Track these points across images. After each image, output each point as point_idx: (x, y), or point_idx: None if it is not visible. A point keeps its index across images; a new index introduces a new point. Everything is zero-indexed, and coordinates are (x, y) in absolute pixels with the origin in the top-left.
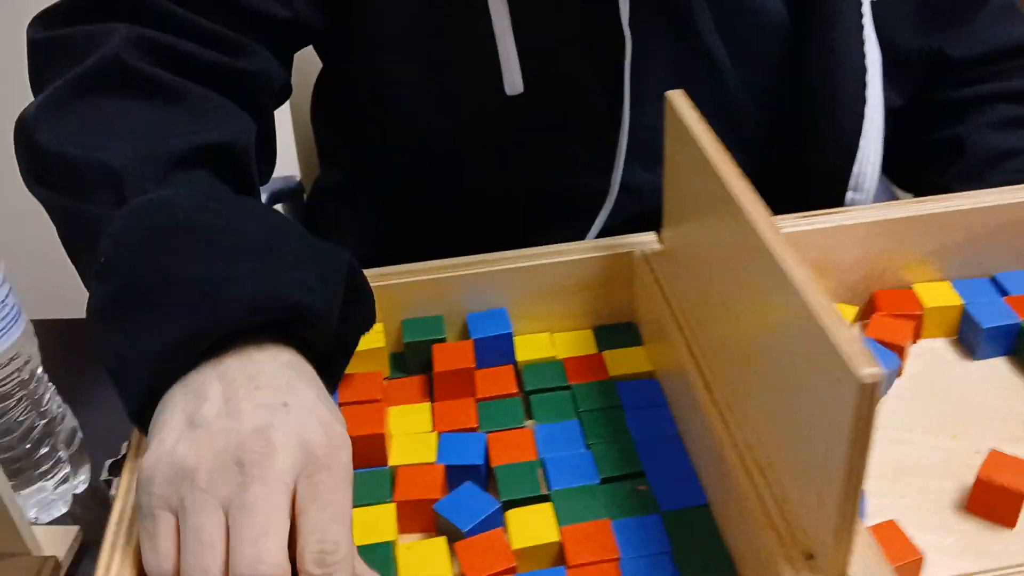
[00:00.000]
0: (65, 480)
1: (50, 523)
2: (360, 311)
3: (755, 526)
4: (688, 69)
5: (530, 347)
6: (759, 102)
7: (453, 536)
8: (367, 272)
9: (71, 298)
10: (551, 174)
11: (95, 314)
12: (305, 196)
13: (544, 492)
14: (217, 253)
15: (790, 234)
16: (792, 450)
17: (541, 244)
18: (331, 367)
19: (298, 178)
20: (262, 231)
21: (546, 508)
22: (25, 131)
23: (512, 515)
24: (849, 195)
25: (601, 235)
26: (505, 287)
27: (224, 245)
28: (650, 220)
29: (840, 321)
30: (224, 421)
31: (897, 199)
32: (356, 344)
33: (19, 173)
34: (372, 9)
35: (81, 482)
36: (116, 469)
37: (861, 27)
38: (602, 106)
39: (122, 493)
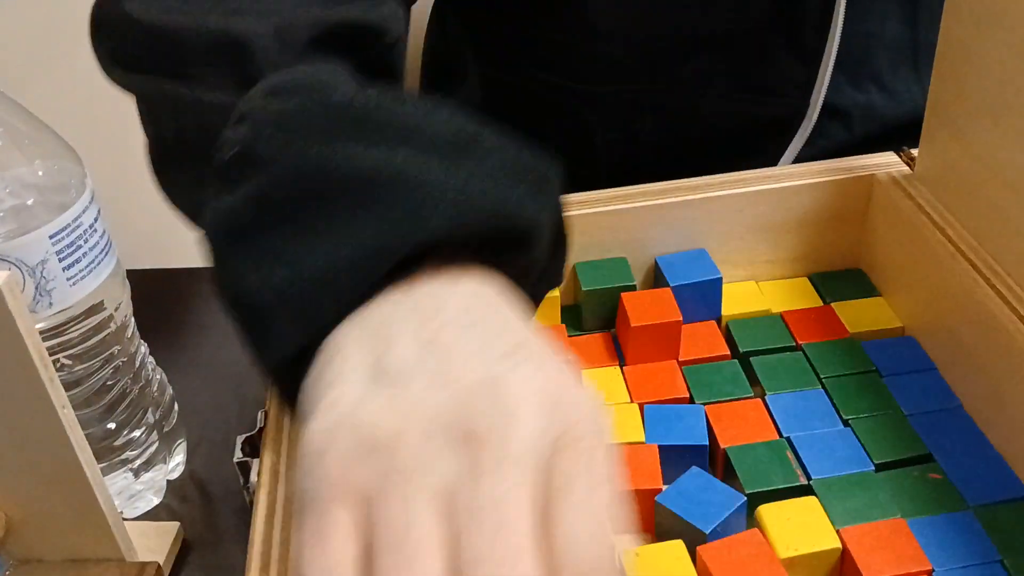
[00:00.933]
0: (154, 464)
1: (138, 518)
2: (562, 253)
3: None
4: None
5: (736, 299)
6: None
7: (692, 539)
8: None
9: (160, 245)
10: (739, 91)
11: (220, 230)
12: None
13: (804, 482)
14: (404, 142)
15: None
16: None
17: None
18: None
19: None
20: (454, 125)
21: (811, 503)
22: (108, 4)
23: (767, 512)
24: None
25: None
26: (700, 223)
27: (412, 135)
28: (858, 151)
29: None
30: (431, 370)
31: None
32: (560, 280)
33: (98, 63)
34: None
35: (177, 466)
36: (252, 448)
37: None
38: (814, 6)
39: (265, 482)
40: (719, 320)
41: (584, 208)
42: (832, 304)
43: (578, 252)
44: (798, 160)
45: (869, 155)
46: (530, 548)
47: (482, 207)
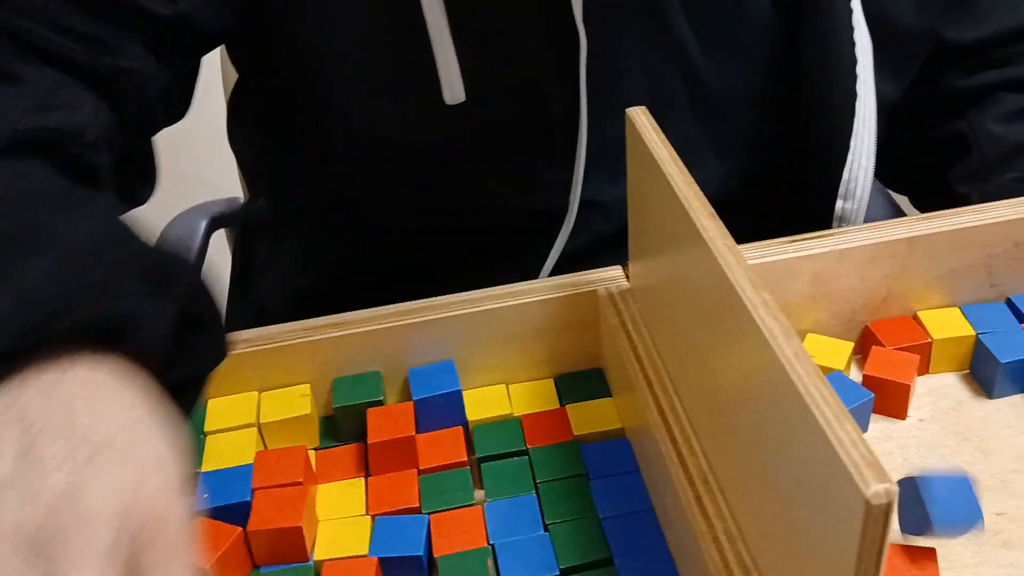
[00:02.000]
0: None
1: None
2: (206, 341)
3: None
4: (659, 68)
5: (483, 403)
6: (742, 102)
7: None
8: (291, 325)
9: None
10: (504, 191)
11: None
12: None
13: None
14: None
15: (777, 262)
16: (787, 554)
17: (497, 270)
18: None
19: (243, 200)
20: (82, 230)
21: None
22: None
23: None
24: (839, 204)
25: (564, 257)
26: (453, 336)
27: (25, 242)
28: (619, 239)
29: (840, 413)
30: (21, 486)
31: (898, 208)
32: (202, 381)
33: None
34: (293, 6)
35: None
36: None
37: (850, 11)
38: (560, 113)
39: None
40: (466, 425)
41: (344, 329)
42: (567, 406)
43: (338, 368)
44: (565, 251)
45: (599, 270)
46: None
47: (79, 305)
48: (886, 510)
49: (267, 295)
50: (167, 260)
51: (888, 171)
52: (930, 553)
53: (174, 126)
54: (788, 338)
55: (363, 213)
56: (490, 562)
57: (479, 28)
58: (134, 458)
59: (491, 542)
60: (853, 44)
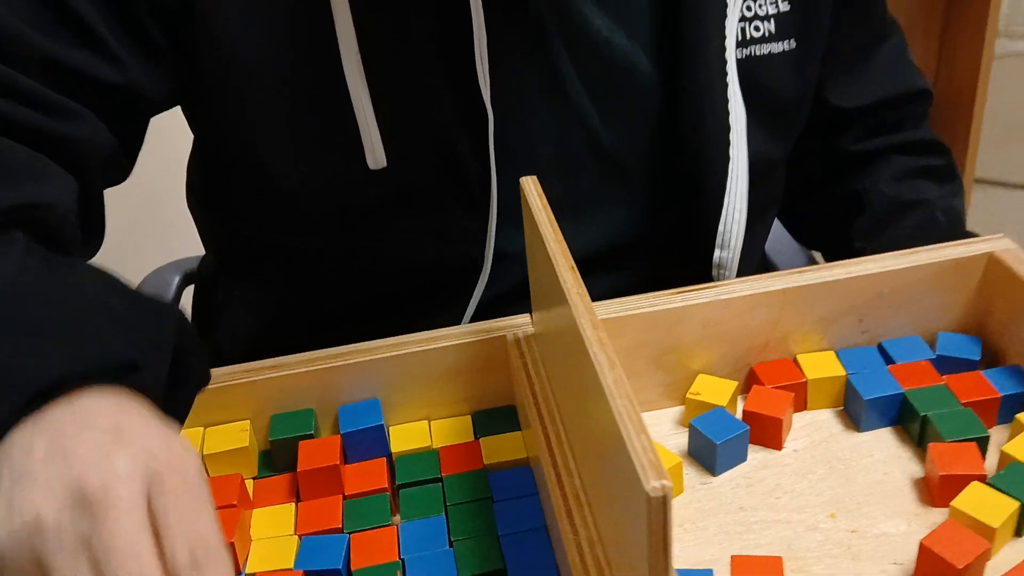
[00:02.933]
0: None
1: None
2: (193, 369)
3: None
4: (562, 132)
5: (406, 437)
6: (637, 160)
7: None
8: (233, 367)
9: None
10: (425, 245)
11: None
12: None
13: None
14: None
15: (668, 309)
16: (620, 553)
17: (424, 316)
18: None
19: None
20: (83, 289)
21: None
22: None
23: None
24: (716, 253)
25: (484, 304)
26: (379, 376)
27: (29, 317)
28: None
29: (639, 427)
30: (54, 463)
31: (810, 257)
32: (190, 403)
33: None
34: (226, 75)
35: None
36: None
37: (726, 84)
38: (473, 175)
39: None
40: (390, 456)
41: (280, 371)
42: (480, 439)
43: (276, 405)
44: (485, 299)
45: (510, 317)
46: (145, 565)
47: (88, 365)
48: (663, 502)
49: (221, 342)
50: (156, 305)
51: (798, 229)
52: (776, 561)
53: (157, 185)
54: (612, 368)
55: (298, 266)
56: (399, 574)
57: (398, 101)
58: (149, 436)
59: (402, 556)
60: (727, 112)
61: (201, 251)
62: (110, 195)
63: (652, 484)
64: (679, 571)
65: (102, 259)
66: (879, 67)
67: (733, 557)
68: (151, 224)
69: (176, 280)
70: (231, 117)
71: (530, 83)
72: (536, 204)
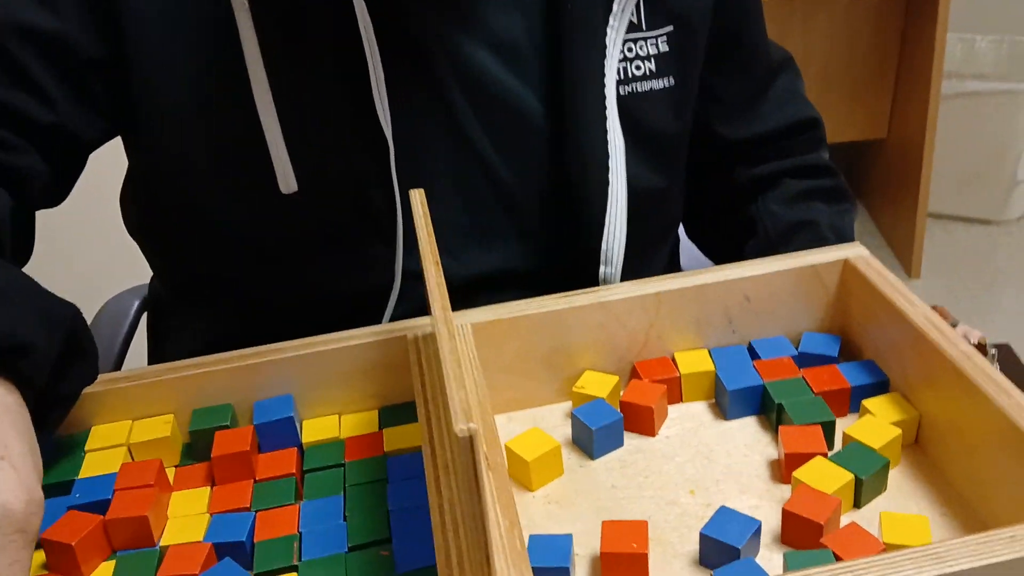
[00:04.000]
0: None
1: None
2: (82, 367)
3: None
4: (461, 165)
5: (317, 430)
6: (529, 192)
7: None
8: (159, 366)
9: None
10: (339, 269)
11: None
12: None
13: (294, 563)
14: None
15: (553, 312)
16: (469, 511)
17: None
18: (45, 419)
19: None
20: None
21: None
22: None
23: None
24: (602, 269)
25: (395, 320)
26: (293, 374)
27: None
28: None
29: (460, 383)
30: None
31: None
32: (74, 399)
33: None
34: (150, 115)
35: None
36: None
37: (604, 116)
38: (380, 204)
39: None
40: (301, 447)
41: (202, 368)
42: (383, 430)
43: (198, 401)
44: (396, 316)
45: (415, 319)
46: None
47: None
48: (469, 442)
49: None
50: (58, 301)
51: (708, 253)
52: (641, 525)
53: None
54: (451, 339)
55: (223, 292)
56: (296, 544)
57: (306, 131)
58: (20, 475)
59: (300, 530)
60: (606, 143)
61: None
62: (73, 223)
63: (460, 427)
64: (539, 536)
65: (67, 284)
66: (769, 104)
67: (604, 522)
68: (114, 249)
69: (136, 304)
70: (158, 154)
71: (428, 119)
72: (419, 212)
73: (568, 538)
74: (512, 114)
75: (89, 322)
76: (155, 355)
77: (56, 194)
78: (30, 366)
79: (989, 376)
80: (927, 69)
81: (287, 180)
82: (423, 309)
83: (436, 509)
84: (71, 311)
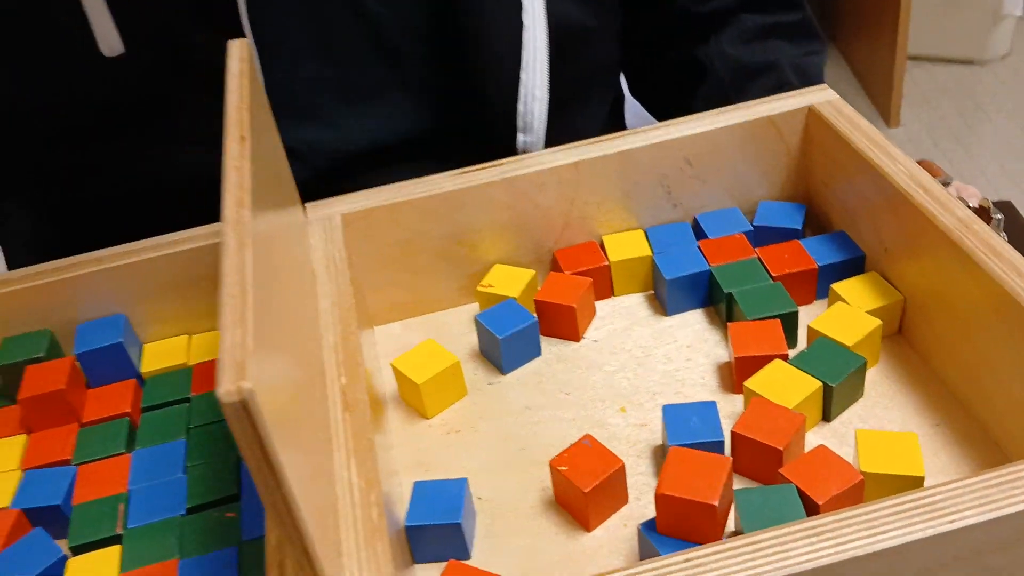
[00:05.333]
0: None
1: None
2: None
3: (268, 552)
4: (328, 11)
5: (161, 355)
6: (413, 36)
7: None
8: None
9: None
10: (179, 144)
11: None
12: None
13: (118, 532)
14: None
15: (450, 193)
16: None
17: (184, 225)
18: None
19: None
20: None
21: (113, 552)
22: None
23: (73, 564)
24: (520, 138)
25: None
26: (125, 288)
27: None
28: (323, 183)
29: (237, 320)
30: None
31: None
32: None
33: None
34: None
35: None
36: None
37: None
38: (222, 63)
39: None
40: (140, 377)
41: (11, 285)
42: None
43: (8, 327)
44: None
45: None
46: None
47: None
48: (243, 409)
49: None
50: None
51: (648, 104)
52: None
53: None
54: (235, 263)
55: (41, 188)
56: (122, 507)
57: None
58: None
59: (129, 488)
60: None
61: None
62: None
63: (223, 388)
64: (426, 483)
65: None
66: None
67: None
68: None
69: None
70: None
71: None
72: (233, 69)
73: (461, 483)
74: None
75: None
76: None
77: None
78: None
79: (992, 247)
80: None
81: (109, 40)
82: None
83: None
84: None
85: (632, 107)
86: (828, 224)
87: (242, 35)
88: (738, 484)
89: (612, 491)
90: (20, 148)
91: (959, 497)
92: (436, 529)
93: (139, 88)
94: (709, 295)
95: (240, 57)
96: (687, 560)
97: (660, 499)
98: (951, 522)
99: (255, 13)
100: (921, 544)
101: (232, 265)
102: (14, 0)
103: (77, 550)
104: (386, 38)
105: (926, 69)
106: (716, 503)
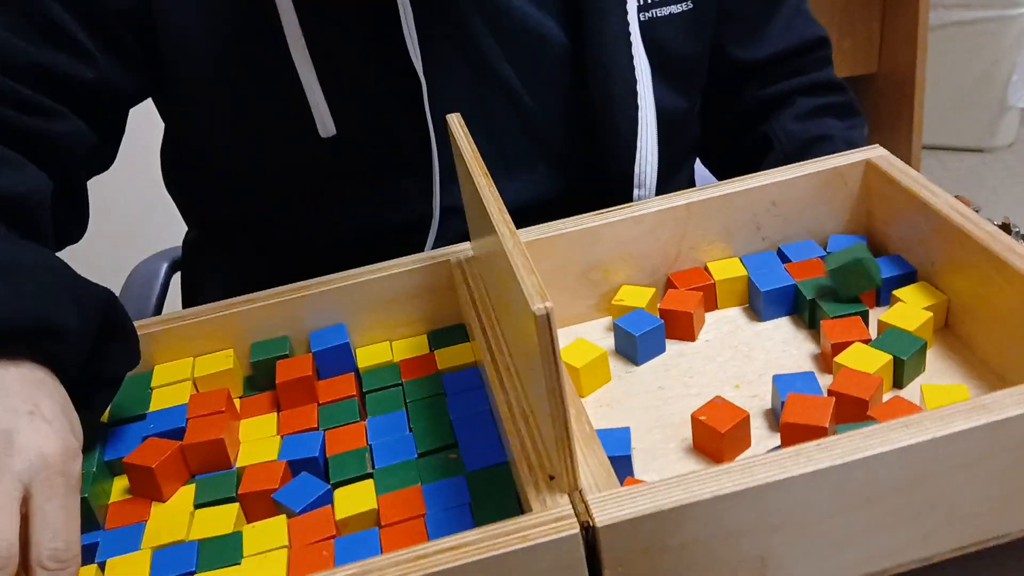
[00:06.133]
0: None
1: None
2: (122, 349)
3: (516, 460)
4: (486, 97)
5: (371, 356)
6: (554, 119)
7: (289, 516)
8: (215, 304)
9: None
10: (378, 205)
11: None
12: None
13: (369, 471)
14: None
15: (586, 229)
16: (536, 396)
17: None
18: (90, 400)
19: None
20: (22, 258)
21: (368, 484)
22: None
23: (339, 492)
24: (636, 192)
25: None
26: (343, 304)
27: None
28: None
29: (529, 269)
30: None
31: None
32: (118, 381)
33: None
34: (184, 68)
35: None
36: None
37: (629, 43)
38: (413, 140)
39: None
40: (357, 372)
41: (257, 303)
42: (435, 352)
43: (255, 335)
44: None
45: (455, 245)
46: (8, 520)
47: (12, 312)
48: (547, 318)
49: None
50: (91, 285)
51: (720, 175)
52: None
53: (145, 176)
54: (515, 241)
55: (266, 237)
56: (367, 455)
57: (341, 76)
58: (54, 427)
59: (369, 443)
60: (632, 68)
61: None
62: (100, 189)
63: (537, 306)
64: (600, 430)
65: (95, 250)
66: (778, 22)
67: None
68: (141, 214)
69: (164, 267)
70: (193, 106)
71: (455, 55)
72: (460, 137)
73: (627, 430)
74: (534, 42)
75: (120, 285)
76: (190, 302)
77: (102, 158)
78: (62, 349)
79: (1016, 252)
80: (914, 2)
81: (325, 124)
82: (459, 242)
83: (504, 405)
84: (105, 294)
85: (699, 175)
86: (884, 251)
87: (426, 124)
88: None
89: (740, 435)
90: (252, 203)
91: (1002, 400)
92: (613, 460)
93: (344, 163)
94: (795, 304)
95: (460, 125)
96: (818, 446)
97: (784, 427)
98: (997, 415)
99: (435, 106)
100: (977, 431)
101: (511, 242)
102: (251, 87)
103: (336, 486)
104: (534, 122)
105: (939, 158)
106: (827, 426)
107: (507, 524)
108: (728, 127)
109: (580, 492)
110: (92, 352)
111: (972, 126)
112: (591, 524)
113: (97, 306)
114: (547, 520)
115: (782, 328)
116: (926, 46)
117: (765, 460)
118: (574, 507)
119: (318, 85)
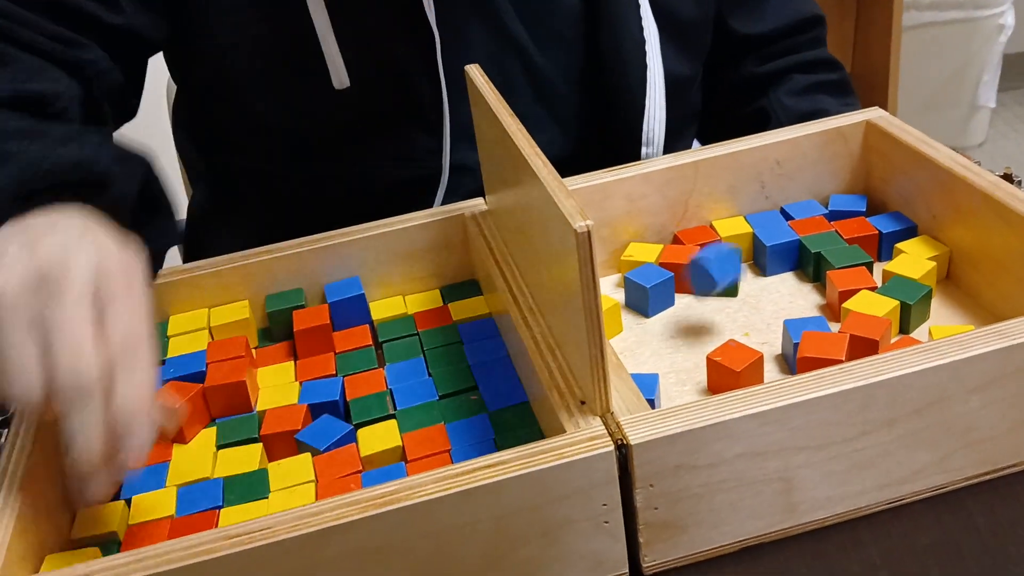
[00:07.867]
0: None
1: None
2: (159, 223)
3: (546, 389)
4: (499, 55)
5: (385, 309)
6: (564, 79)
7: (313, 454)
8: (231, 255)
9: None
10: (389, 160)
11: None
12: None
13: (391, 412)
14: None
15: (596, 185)
16: (566, 326)
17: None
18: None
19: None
20: (53, 129)
21: (391, 424)
22: None
23: (362, 432)
24: (644, 151)
25: None
26: (357, 257)
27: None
28: (477, 195)
29: (566, 194)
30: (23, 252)
31: None
32: (159, 258)
33: None
34: (204, 17)
35: None
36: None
37: (638, 4)
38: (426, 95)
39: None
40: (372, 324)
41: (272, 255)
42: (448, 304)
43: (269, 287)
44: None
45: (466, 201)
46: (85, 337)
47: (54, 162)
48: (587, 236)
49: None
50: (136, 152)
51: (704, 140)
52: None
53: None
54: (549, 169)
55: (275, 190)
56: (388, 398)
57: (356, 28)
58: (109, 244)
59: (389, 387)
60: (642, 29)
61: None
62: None
63: (579, 224)
64: (633, 375)
65: None
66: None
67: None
68: None
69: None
70: (211, 55)
71: (469, 10)
72: (483, 85)
73: (655, 376)
74: (548, 5)
75: None
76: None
77: (125, 104)
78: (107, 199)
79: (1019, 198)
80: (888, 2)
81: (339, 75)
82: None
83: (531, 340)
84: (144, 159)
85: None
86: (884, 209)
87: (438, 79)
88: None
89: (753, 374)
90: (266, 155)
91: (1017, 326)
92: None
93: (358, 115)
94: (799, 259)
95: (480, 74)
96: (841, 369)
97: (802, 361)
98: (1013, 340)
99: (448, 62)
100: (992, 355)
101: (545, 171)
102: (267, 42)
103: (358, 427)
104: (545, 80)
105: None
106: (843, 358)
107: (543, 443)
108: (726, 101)
109: (612, 414)
110: (133, 220)
111: (944, 125)
112: (624, 442)
113: (139, 162)
114: (581, 439)
115: (787, 281)
116: (900, 46)
117: (791, 382)
118: (607, 427)
119: (333, 36)
